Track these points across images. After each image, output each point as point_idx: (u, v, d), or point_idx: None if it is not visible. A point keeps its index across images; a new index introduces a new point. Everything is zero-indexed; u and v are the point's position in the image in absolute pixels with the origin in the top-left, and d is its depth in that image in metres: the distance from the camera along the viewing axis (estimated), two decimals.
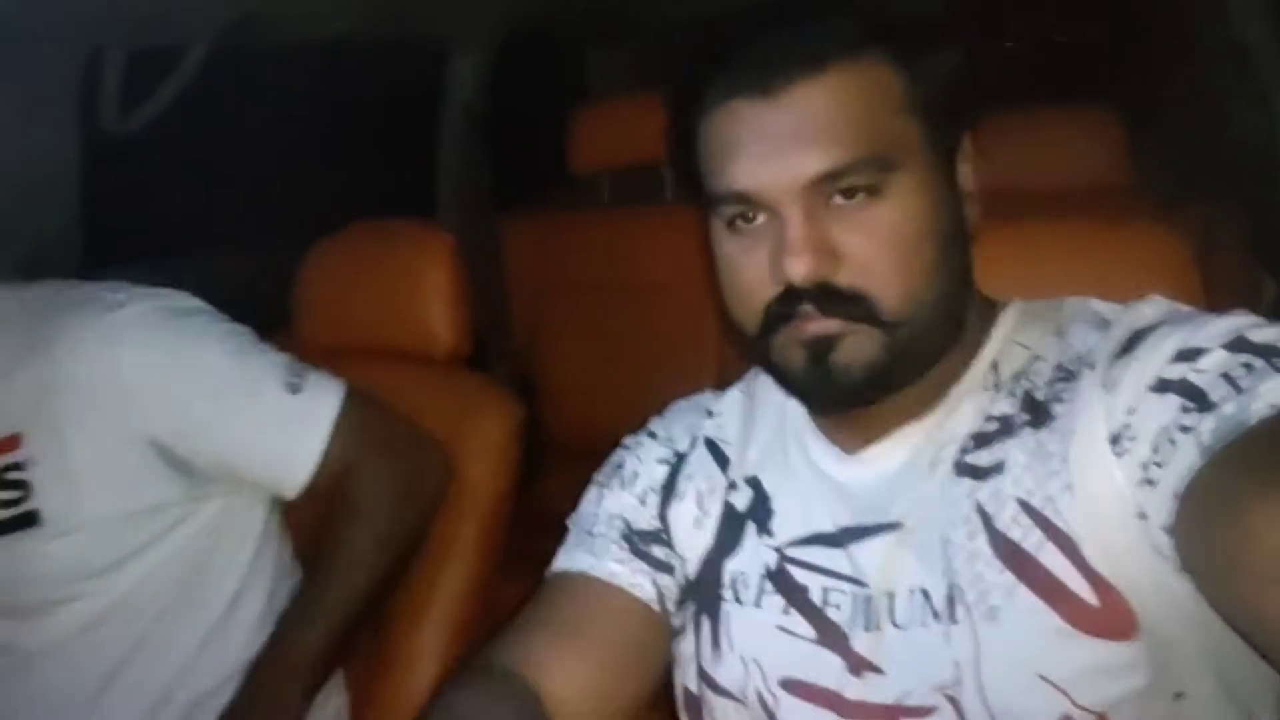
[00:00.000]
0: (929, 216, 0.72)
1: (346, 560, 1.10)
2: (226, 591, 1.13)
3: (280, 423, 1.07)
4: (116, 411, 1.02)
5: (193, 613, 1.11)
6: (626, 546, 0.86)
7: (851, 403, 0.75)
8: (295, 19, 1.72)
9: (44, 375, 1.02)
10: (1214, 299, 0.90)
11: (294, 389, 1.08)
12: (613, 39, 2.77)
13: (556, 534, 0.94)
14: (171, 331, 1.06)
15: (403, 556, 1.15)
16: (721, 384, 0.95)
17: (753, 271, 0.73)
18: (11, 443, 1.03)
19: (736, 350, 0.81)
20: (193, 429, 1.05)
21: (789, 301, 0.71)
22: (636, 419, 0.97)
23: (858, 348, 0.71)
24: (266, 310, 1.16)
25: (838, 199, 0.70)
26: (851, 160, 0.69)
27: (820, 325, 0.71)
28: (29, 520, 1.03)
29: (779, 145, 0.70)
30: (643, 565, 0.85)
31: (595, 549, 0.86)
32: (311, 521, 1.18)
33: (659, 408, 0.96)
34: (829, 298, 0.70)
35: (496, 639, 0.83)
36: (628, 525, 0.87)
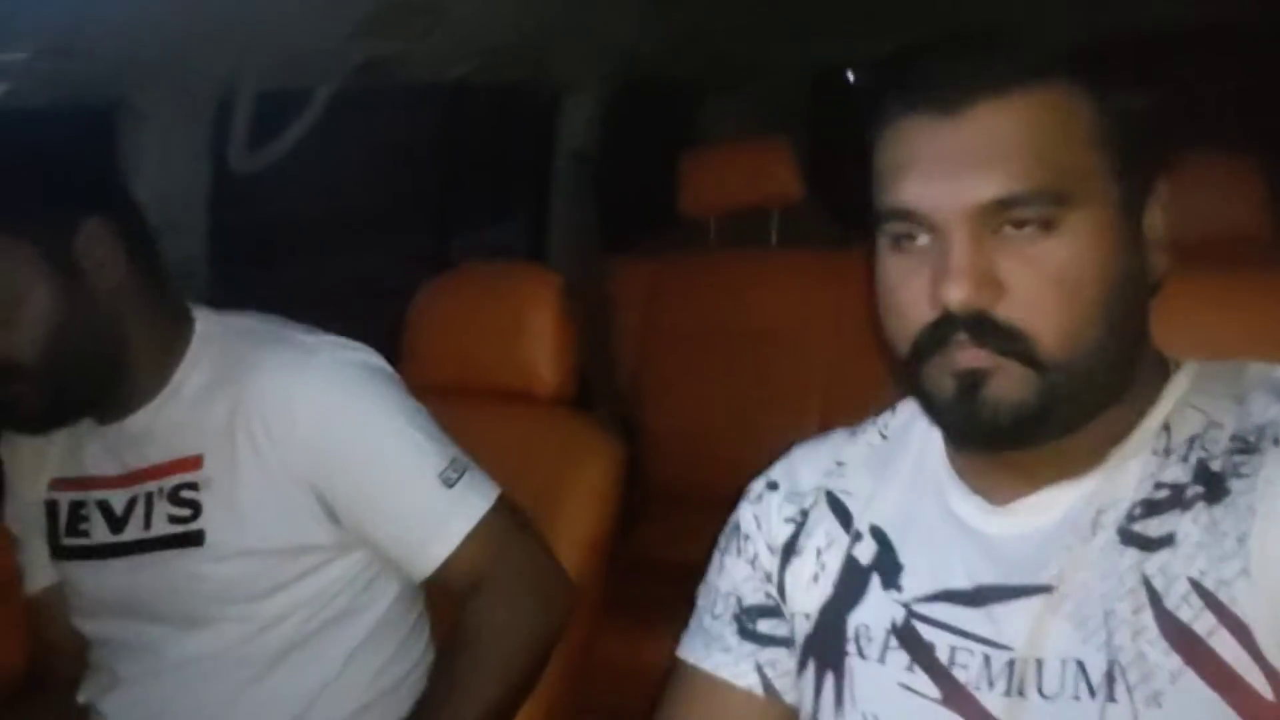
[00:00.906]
0: (1103, 259, 0.67)
1: (458, 689, 1.07)
2: (350, 644, 1.14)
3: (425, 509, 1.09)
4: (285, 450, 1.06)
5: (317, 656, 1.13)
6: (735, 628, 0.85)
7: (997, 442, 0.71)
8: (418, 62, 1.78)
9: (234, 401, 1.07)
10: None
11: (448, 483, 1.09)
12: (726, 87, 2.78)
13: (654, 580, 0.92)
14: (352, 389, 1.09)
15: (518, 691, 1.11)
16: (825, 429, 0.91)
17: (911, 293, 0.70)
18: (195, 463, 1.08)
19: (893, 377, 0.78)
20: (346, 488, 1.08)
21: (944, 328, 0.68)
22: (738, 464, 0.95)
23: (1008, 386, 0.67)
24: (378, 346, 1.17)
25: (1008, 229, 0.67)
26: (1027, 190, 0.66)
27: (972, 356, 0.67)
28: (194, 539, 1.07)
29: (953, 165, 0.67)
30: (750, 647, 0.84)
31: (709, 637, 0.86)
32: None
33: (761, 453, 0.93)
34: (985, 329, 0.66)
35: None
36: (739, 603, 0.85)
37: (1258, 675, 0.62)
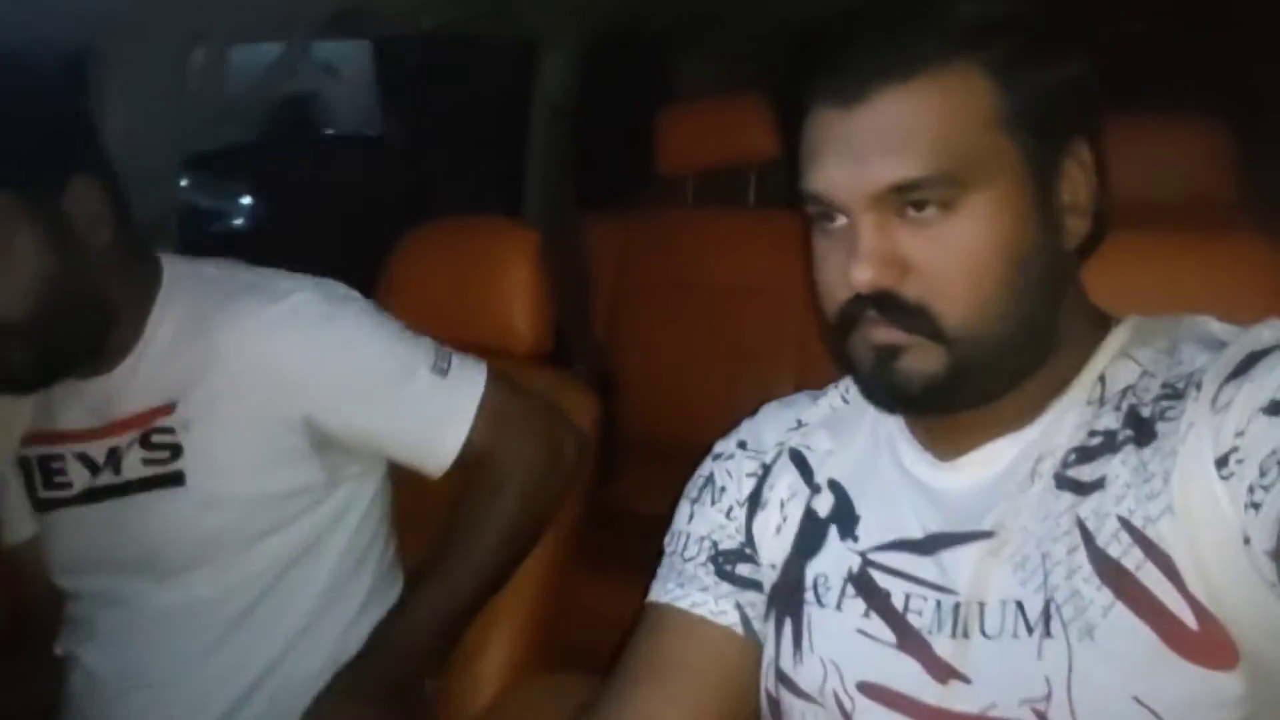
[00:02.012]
0: (1006, 235, 0.70)
1: (486, 532, 1.14)
2: (331, 579, 1.17)
3: (430, 403, 1.13)
4: (271, 396, 1.08)
5: (298, 596, 1.15)
6: (712, 569, 0.86)
7: (912, 409, 0.76)
8: (390, 14, 1.76)
9: (209, 349, 1.08)
10: None
11: (442, 372, 1.13)
12: (702, 40, 2.76)
13: (628, 532, 0.94)
14: (328, 319, 1.11)
15: (541, 525, 1.19)
16: (799, 387, 0.94)
17: (830, 271, 0.74)
18: (166, 409, 1.09)
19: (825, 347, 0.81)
20: (348, 411, 1.11)
21: (856, 306, 0.72)
22: (713, 420, 0.96)
23: (918, 360, 0.71)
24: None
25: (910, 210, 0.70)
26: (923, 175, 0.68)
27: (884, 333, 0.72)
28: (174, 480, 1.09)
29: (852, 153, 0.70)
30: (728, 587, 0.85)
31: (684, 577, 0.87)
32: (418, 521, 1.23)
33: (736, 410, 0.95)
34: (892, 308, 0.71)
35: (600, 698, 0.85)
36: (715, 546, 0.87)
37: (1182, 606, 0.65)
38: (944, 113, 0.69)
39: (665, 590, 0.87)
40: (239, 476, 1.09)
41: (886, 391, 0.74)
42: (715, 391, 1.91)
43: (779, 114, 0.78)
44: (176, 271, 1.14)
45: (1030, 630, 0.69)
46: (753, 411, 0.93)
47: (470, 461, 1.13)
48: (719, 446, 0.92)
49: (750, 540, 0.86)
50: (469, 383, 1.14)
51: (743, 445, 0.90)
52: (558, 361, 1.47)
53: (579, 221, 2.38)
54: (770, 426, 0.90)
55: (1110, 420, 0.72)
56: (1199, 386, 0.68)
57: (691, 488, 0.92)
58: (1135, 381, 0.73)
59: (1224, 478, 0.64)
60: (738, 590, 0.85)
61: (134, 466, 1.10)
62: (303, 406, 1.09)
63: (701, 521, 0.88)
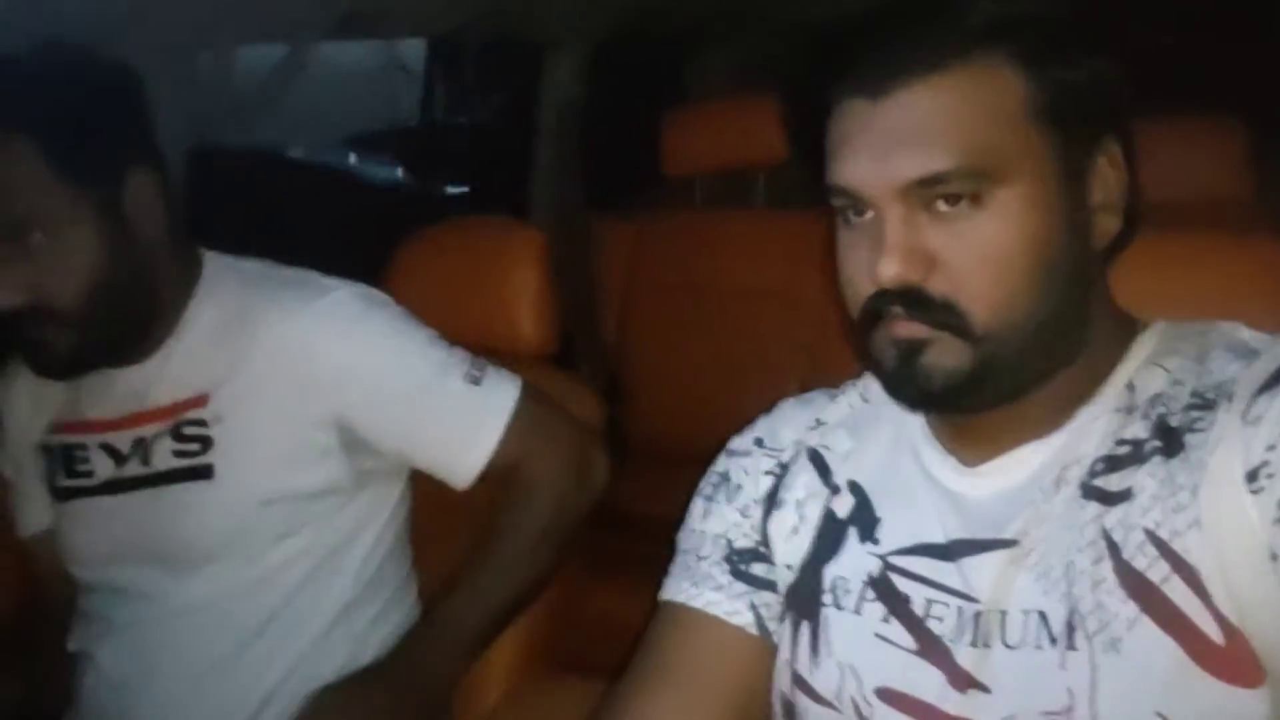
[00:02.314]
0: (1035, 231, 0.69)
1: (515, 544, 1.14)
2: (350, 588, 1.16)
3: (462, 412, 1.13)
4: (305, 391, 1.08)
5: (321, 599, 1.14)
6: (727, 568, 0.85)
7: (933, 406, 0.76)
8: (402, 17, 1.75)
9: (244, 344, 1.09)
10: None
11: (475, 381, 1.13)
12: (711, 42, 2.76)
13: (634, 535, 0.93)
14: (369, 320, 1.12)
15: (566, 545, 1.19)
16: (807, 389, 0.93)
17: (854, 266, 0.73)
18: (199, 401, 1.10)
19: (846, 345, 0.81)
20: (380, 412, 1.11)
21: (881, 301, 0.71)
22: (721, 423, 0.95)
23: (942, 356, 0.70)
24: None
25: (940, 205, 0.69)
26: (951, 168, 0.68)
27: (908, 328, 0.71)
28: (203, 473, 1.09)
29: (881, 146, 0.70)
30: (742, 587, 0.84)
31: (697, 575, 0.86)
32: (437, 539, 1.23)
33: (744, 412, 0.94)
34: (917, 303, 0.70)
35: (612, 699, 0.84)
36: (729, 545, 0.86)
37: (1209, 620, 0.64)
38: (972, 105, 0.68)
39: (679, 589, 0.86)
40: (268, 472, 1.09)
41: (909, 387, 0.73)
42: (723, 394, 1.90)
43: (798, 110, 0.78)
44: (215, 265, 1.15)
45: (1054, 641, 0.68)
46: (768, 408, 0.92)
47: (497, 475, 1.13)
48: (735, 443, 0.91)
49: (765, 540, 0.85)
50: (502, 394, 1.14)
51: (759, 443, 0.89)
52: (564, 364, 1.46)
53: (587, 223, 2.38)
54: (788, 424, 0.89)
55: (1139, 429, 0.71)
56: (1230, 398, 0.67)
57: (706, 485, 0.90)
58: (1165, 390, 0.71)
59: (1254, 492, 0.63)
60: (752, 590, 0.84)
61: (164, 458, 1.10)
62: (335, 404, 1.09)
63: (716, 519, 0.87)
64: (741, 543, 0.86)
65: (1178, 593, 0.65)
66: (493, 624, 1.15)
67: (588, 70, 2.30)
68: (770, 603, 0.84)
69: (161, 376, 1.11)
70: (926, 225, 0.69)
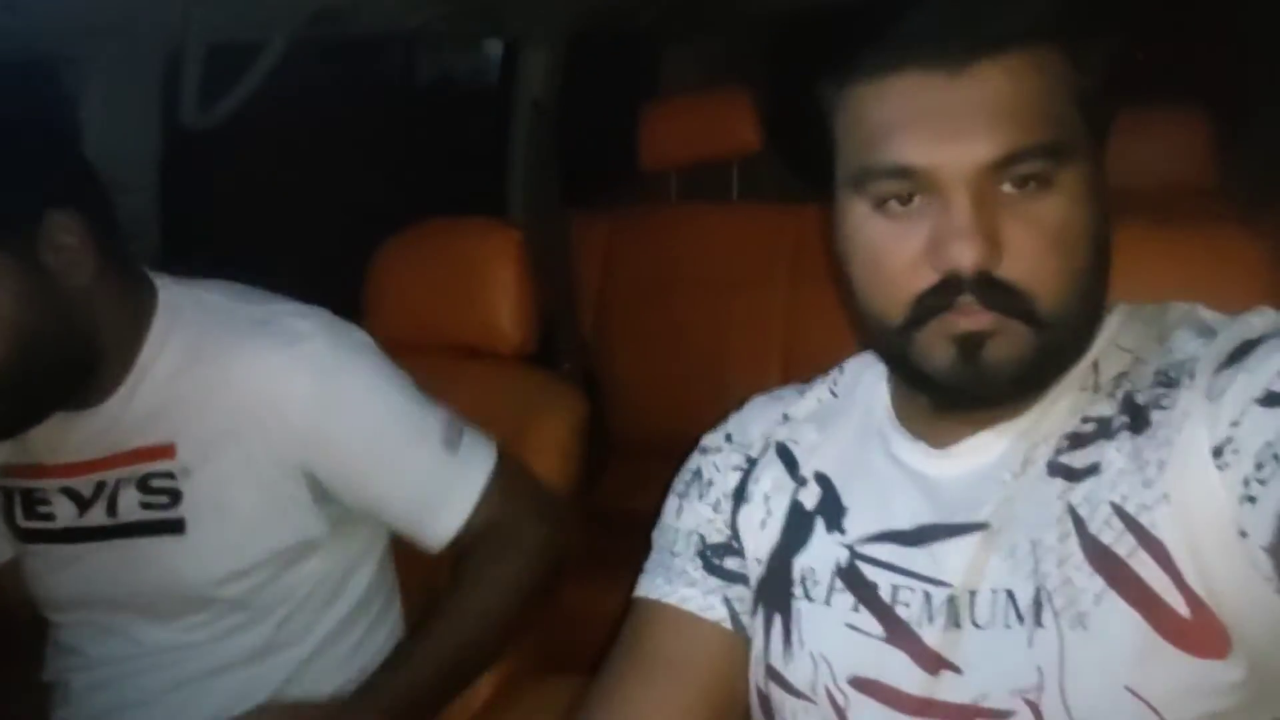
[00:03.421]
0: (1092, 214, 0.69)
1: (464, 609, 1.08)
2: (337, 616, 1.14)
3: (434, 479, 1.08)
4: (274, 443, 1.03)
5: (305, 632, 1.12)
6: (701, 564, 0.85)
7: (996, 402, 0.72)
8: (372, 13, 1.75)
9: (211, 388, 1.02)
10: None
11: (451, 447, 1.08)
12: (685, 36, 2.76)
13: (617, 531, 0.94)
14: (344, 372, 1.05)
15: (516, 620, 1.12)
16: (786, 380, 0.93)
17: (904, 257, 0.69)
18: (167, 451, 1.04)
19: (862, 342, 0.79)
20: (350, 472, 1.06)
21: (946, 292, 0.68)
22: (701, 416, 0.96)
23: (1009, 345, 0.68)
24: (336, 305, 1.16)
25: (1008, 187, 0.67)
26: (1029, 145, 0.66)
27: (975, 320, 0.67)
28: (174, 527, 1.04)
29: (958, 124, 0.67)
30: (716, 582, 0.84)
31: (671, 572, 0.86)
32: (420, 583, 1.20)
33: (723, 405, 0.95)
34: (990, 290, 0.67)
35: (589, 700, 0.84)
36: (703, 541, 0.86)
37: (1175, 595, 0.64)
38: (1040, 85, 0.67)
39: (653, 586, 0.86)
40: (240, 526, 1.04)
41: (969, 384, 0.70)
42: (702, 387, 1.92)
43: (790, 94, 0.75)
44: (173, 297, 1.07)
45: (1021, 619, 0.68)
46: (739, 404, 0.93)
47: (467, 541, 1.09)
48: (706, 440, 0.91)
49: (736, 534, 0.86)
50: (478, 461, 1.09)
51: (729, 438, 0.90)
52: (543, 361, 1.46)
53: (564, 219, 2.38)
54: (757, 420, 0.89)
55: (1105, 407, 0.71)
56: (1193, 375, 0.68)
57: (679, 482, 0.91)
58: (1129, 369, 0.72)
59: (1220, 468, 0.63)
60: (725, 585, 0.84)
61: (131, 509, 1.05)
62: (304, 459, 1.04)
63: (689, 515, 0.88)
64: (714, 538, 0.86)
65: (1144, 567, 0.65)
66: (437, 685, 1.07)
67: (561, 65, 2.30)
68: (744, 596, 0.84)
69: (122, 420, 1.04)
70: (996, 209, 0.67)
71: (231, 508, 1.03)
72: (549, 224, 2.28)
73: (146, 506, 1.05)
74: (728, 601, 0.84)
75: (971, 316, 0.67)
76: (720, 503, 0.87)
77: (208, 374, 1.03)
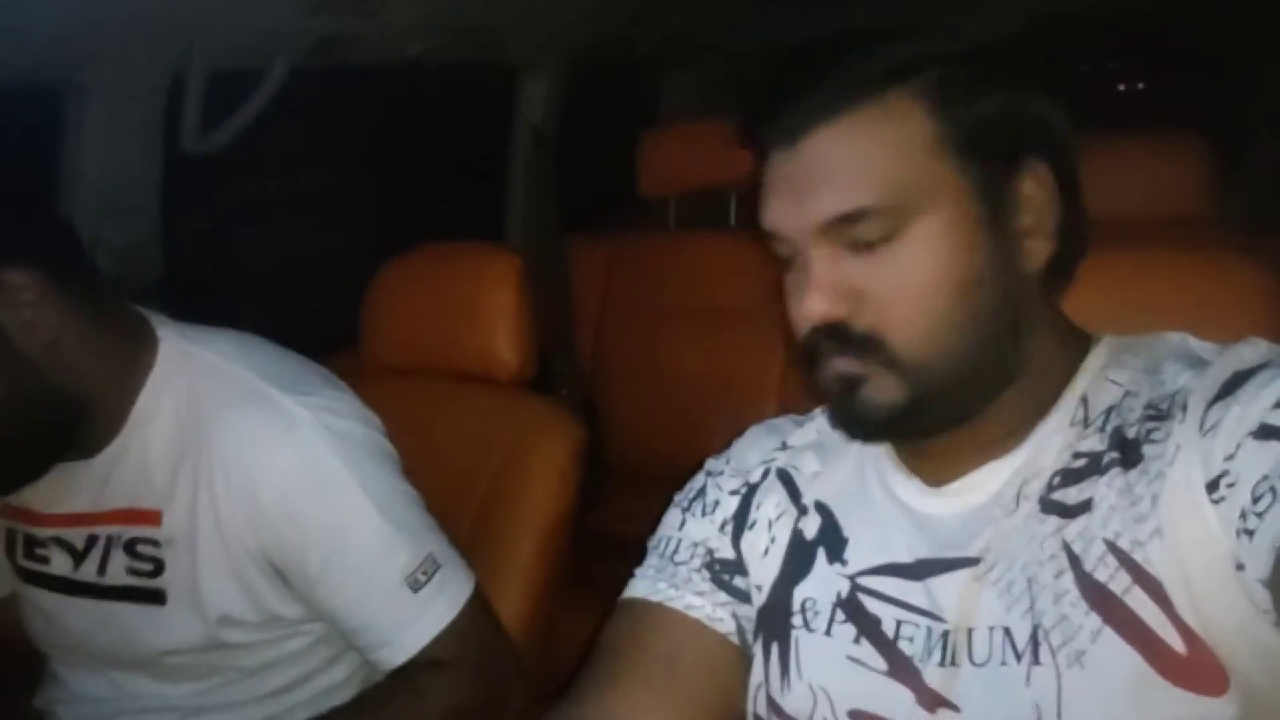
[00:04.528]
0: (955, 260, 0.71)
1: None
2: (320, 659, 1.12)
3: (386, 612, 1.03)
4: (247, 524, 1.00)
5: (286, 672, 1.10)
6: (708, 576, 0.85)
7: (880, 438, 0.78)
8: (373, 42, 1.76)
9: (198, 457, 1.00)
10: None
11: (414, 586, 1.02)
12: (684, 64, 2.78)
13: (615, 557, 0.93)
14: (327, 473, 1.00)
15: None
16: (783, 409, 0.94)
17: (795, 305, 0.75)
18: (154, 518, 1.02)
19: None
20: (300, 575, 1.02)
21: (813, 339, 0.73)
22: (698, 443, 0.96)
23: (879, 390, 0.72)
24: (335, 329, 1.16)
25: (857, 242, 0.71)
26: (862, 206, 0.70)
27: (843, 364, 0.72)
28: (155, 597, 1.03)
29: (795, 190, 0.72)
30: (724, 596, 0.84)
31: (677, 579, 0.84)
32: None
33: (720, 433, 0.95)
34: (844, 340, 0.72)
35: (577, 694, 0.81)
36: (711, 554, 0.86)
37: (1172, 632, 0.64)
38: (879, 144, 0.70)
39: (655, 589, 0.85)
40: (217, 601, 1.01)
41: (851, 421, 0.75)
42: (699, 414, 1.91)
43: (750, 149, 0.79)
44: (172, 351, 1.03)
45: (1019, 657, 0.68)
46: (737, 432, 0.93)
47: (410, 668, 1.04)
48: (711, 463, 0.92)
49: (741, 557, 0.85)
50: (435, 612, 1.03)
51: (729, 463, 0.90)
52: (541, 388, 1.46)
53: (562, 245, 2.38)
54: (755, 448, 0.90)
55: (1095, 442, 0.72)
56: (1184, 408, 0.68)
57: (683, 497, 0.91)
58: (1118, 402, 0.72)
59: (1215, 502, 0.63)
60: (735, 601, 0.84)
61: (118, 573, 1.04)
62: (266, 544, 1.00)
63: (694, 528, 0.87)
64: (723, 554, 0.85)
65: (1139, 603, 0.66)
66: None
67: (561, 93, 2.31)
68: (750, 616, 0.84)
69: (113, 478, 1.02)
70: (848, 261, 0.71)
71: (207, 583, 1.01)
72: (548, 250, 2.28)
73: (132, 572, 1.03)
74: (736, 618, 0.83)
75: (839, 360, 0.73)
76: (725, 524, 0.87)
77: (196, 444, 1.00)
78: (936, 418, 0.73)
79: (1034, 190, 0.73)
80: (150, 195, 1.59)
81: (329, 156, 2.13)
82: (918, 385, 0.71)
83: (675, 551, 0.86)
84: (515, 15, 2.04)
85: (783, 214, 0.73)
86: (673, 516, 0.90)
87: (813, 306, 0.71)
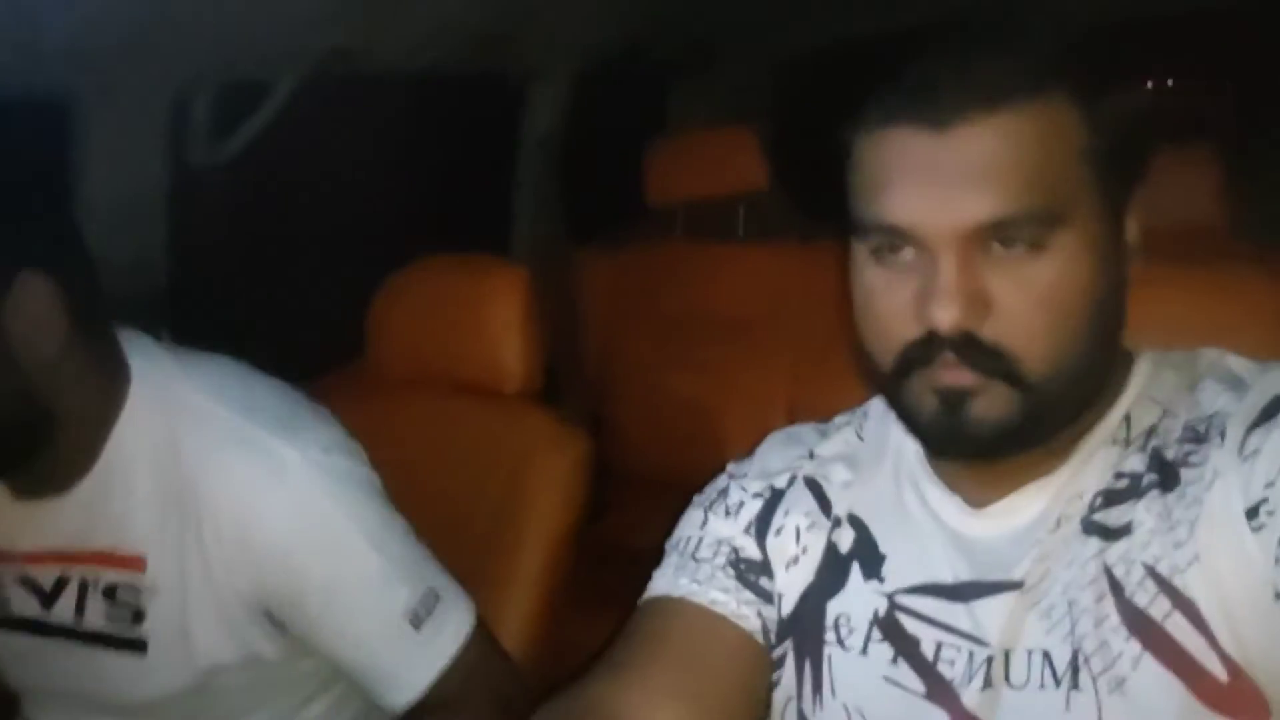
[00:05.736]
0: (1089, 277, 0.67)
1: None
2: (307, 691, 1.10)
3: (390, 651, 1.01)
4: (238, 572, 0.97)
5: (273, 705, 1.08)
6: (733, 574, 0.81)
7: (978, 457, 0.71)
8: (382, 53, 1.76)
9: (183, 502, 0.96)
10: None
11: (416, 623, 1.00)
12: (693, 73, 2.78)
13: (622, 568, 0.92)
14: (320, 516, 0.98)
15: None
16: (791, 420, 0.92)
17: (894, 307, 0.69)
18: (136, 564, 0.99)
19: (863, 378, 0.78)
20: (298, 619, 1.00)
21: (929, 347, 0.67)
22: (705, 454, 0.95)
23: (991, 405, 0.67)
24: (341, 341, 1.15)
25: (996, 247, 0.66)
26: (1020, 211, 0.65)
27: (956, 376, 0.67)
28: (136, 646, 1.00)
29: (944, 184, 0.65)
30: (750, 595, 0.81)
31: (699, 575, 0.81)
32: None
33: (728, 444, 0.94)
34: (971, 350, 0.66)
35: (591, 675, 0.78)
36: (736, 553, 0.82)
37: (1212, 658, 0.63)
38: (1037, 145, 0.65)
39: (676, 585, 0.81)
40: (201, 649, 0.99)
41: (954, 438, 0.69)
42: (707, 426, 1.91)
43: (797, 133, 0.75)
44: (146, 385, 0.99)
45: (1058, 682, 0.67)
46: (752, 439, 0.91)
47: (419, 711, 1.01)
48: (733, 466, 0.89)
49: (767, 559, 0.83)
50: (438, 647, 1.01)
51: (753, 466, 0.88)
52: (547, 399, 1.46)
53: (569, 256, 2.38)
54: (778, 453, 0.87)
55: (1136, 463, 0.70)
56: (1223, 433, 0.66)
57: (704, 497, 0.88)
58: (1158, 422, 0.71)
59: (1255, 530, 0.62)
60: (760, 601, 0.81)
61: (96, 617, 1.01)
62: (260, 590, 0.98)
63: (716, 525, 0.84)
64: (749, 554, 0.83)
65: (1180, 630, 0.64)
66: None
67: (569, 103, 2.31)
68: (774, 619, 0.81)
69: (86, 516, 0.98)
70: (983, 268, 0.66)
71: (197, 634, 0.99)
72: (554, 261, 2.28)
73: (110, 619, 1.01)
74: (762, 618, 0.81)
75: (953, 372, 0.67)
76: (750, 526, 0.84)
77: (181, 489, 0.97)
78: (1039, 436, 0.70)
79: (1137, 209, 0.71)
80: (158, 211, 1.59)
81: (336, 168, 2.13)
82: (1033, 402, 0.67)
83: (697, 549, 0.83)
84: (525, 24, 2.04)
85: (924, 209, 0.66)
86: (694, 515, 0.87)
87: (947, 313, 0.65)
